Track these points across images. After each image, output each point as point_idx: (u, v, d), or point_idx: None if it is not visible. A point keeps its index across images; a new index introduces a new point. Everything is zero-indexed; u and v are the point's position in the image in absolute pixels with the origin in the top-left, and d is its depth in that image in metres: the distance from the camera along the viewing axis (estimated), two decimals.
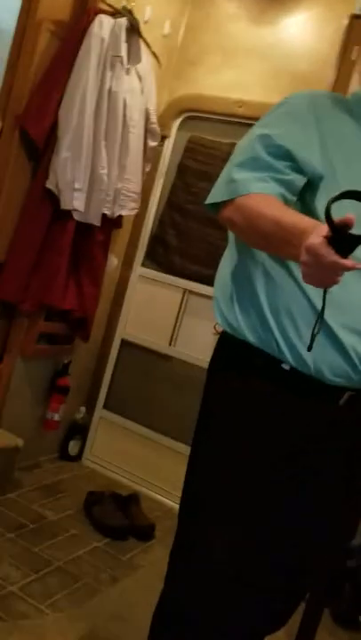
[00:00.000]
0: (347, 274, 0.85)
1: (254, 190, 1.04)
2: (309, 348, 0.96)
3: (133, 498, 2.43)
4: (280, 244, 0.96)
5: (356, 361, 1.06)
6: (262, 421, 1.10)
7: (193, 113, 2.72)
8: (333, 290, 0.97)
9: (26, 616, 1.67)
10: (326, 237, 0.81)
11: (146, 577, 2.02)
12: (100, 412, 2.86)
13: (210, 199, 1.12)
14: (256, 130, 1.12)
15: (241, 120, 2.53)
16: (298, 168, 1.06)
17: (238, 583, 1.12)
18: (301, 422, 1.09)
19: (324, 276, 0.85)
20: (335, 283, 0.86)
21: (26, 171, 2.22)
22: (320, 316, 0.95)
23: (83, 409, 2.83)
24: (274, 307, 1.08)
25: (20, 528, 2.11)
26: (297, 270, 1.06)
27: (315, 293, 1.04)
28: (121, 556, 2.14)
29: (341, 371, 1.06)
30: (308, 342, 1.02)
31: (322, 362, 1.05)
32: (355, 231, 0.80)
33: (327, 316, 1.03)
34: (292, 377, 1.08)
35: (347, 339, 1.05)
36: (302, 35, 2.53)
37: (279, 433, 1.10)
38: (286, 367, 1.08)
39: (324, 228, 0.81)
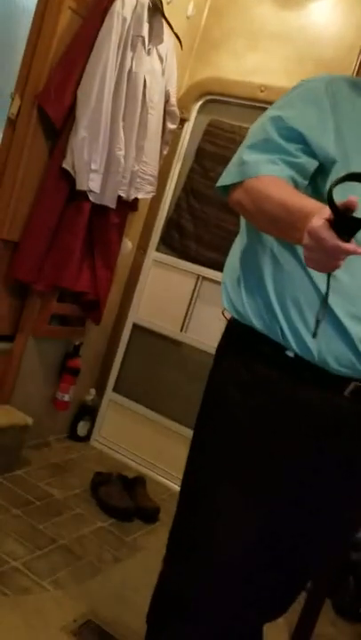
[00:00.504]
0: (355, 261, 0.84)
1: (264, 172, 1.02)
2: (314, 335, 0.95)
3: (139, 480, 2.45)
4: (286, 227, 0.95)
5: None
6: (266, 409, 1.09)
7: (214, 96, 2.69)
8: (341, 278, 0.95)
9: (28, 591, 1.70)
10: (328, 220, 0.79)
11: (148, 559, 2.03)
12: (109, 394, 2.87)
13: (221, 181, 1.10)
14: (269, 112, 1.10)
15: (262, 105, 2.47)
16: (310, 151, 1.05)
17: (236, 571, 1.12)
18: (306, 411, 1.08)
19: (326, 261, 0.83)
20: (337, 267, 0.85)
21: (43, 150, 2.21)
22: (324, 301, 0.93)
23: (93, 391, 2.85)
24: (280, 293, 1.07)
25: (26, 505, 2.13)
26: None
27: (322, 281, 1.02)
28: (125, 536, 2.16)
29: (346, 360, 1.04)
30: (313, 329, 1.01)
31: (327, 350, 1.04)
32: (358, 214, 0.78)
33: (334, 304, 1.01)
34: (296, 365, 1.07)
35: (353, 328, 1.03)
36: (329, 20, 2.48)
37: (283, 421, 1.09)
38: (291, 354, 1.07)
39: (326, 211, 0.80)
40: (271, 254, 1.09)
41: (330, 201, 0.78)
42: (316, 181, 1.07)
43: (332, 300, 1.01)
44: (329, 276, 0.91)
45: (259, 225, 1.07)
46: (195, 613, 1.14)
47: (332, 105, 1.06)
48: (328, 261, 0.83)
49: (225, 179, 1.10)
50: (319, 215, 0.81)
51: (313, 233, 0.81)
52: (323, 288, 1.02)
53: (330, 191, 0.78)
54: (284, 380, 1.08)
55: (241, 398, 1.11)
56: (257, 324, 1.10)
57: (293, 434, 1.09)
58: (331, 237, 0.79)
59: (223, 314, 1.20)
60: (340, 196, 0.78)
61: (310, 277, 1.04)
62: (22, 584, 1.72)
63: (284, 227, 0.96)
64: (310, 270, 1.03)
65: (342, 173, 0.83)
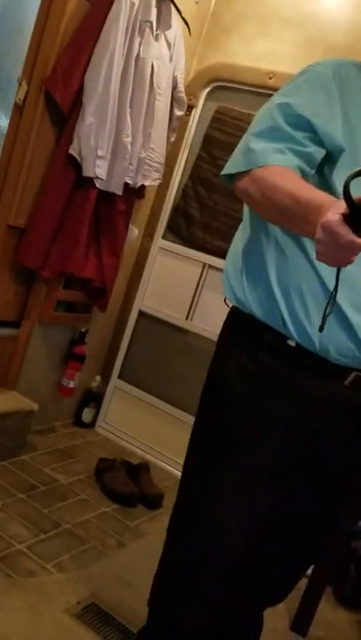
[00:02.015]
0: None
1: (272, 162, 1.00)
2: (321, 329, 0.94)
3: (143, 466, 2.47)
4: (295, 219, 0.94)
5: None
6: (267, 396, 1.10)
7: (222, 83, 2.67)
8: (346, 267, 0.94)
9: (32, 574, 1.72)
10: (343, 215, 0.78)
11: (152, 544, 2.05)
12: (114, 381, 2.89)
13: (226, 169, 1.09)
14: (276, 98, 1.08)
15: (271, 92, 2.43)
16: (318, 140, 1.03)
17: (234, 555, 1.13)
18: (306, 399, 1.08)
19: (339, 256, 0.82)
20: (350, 262, 0.83)
21: (50, 136, 2.20)
22: (333, 296, 0.92)
23: (98, 378, 2.86)
24: (283, 282, 1.06)
25: (31, 489, 2.16)
26: (310, 248, 1.03)
27: (326, 272, 1.02)
28: (129, 522, 2.18)
29: (347, 350, 1.04)
30: (315, 320, 1.01)
31: (328, 340, 1.04)
32: None
33: (338, 294, 1.01)
34: (297, 354, 1.07)
35: (356, 318, 1.03)
36: (340, 5, 2.45)
37: (283, 409, 1.09)
38: (292, 343, 1.07)
39: (341, 205, 0.79)
40: (275, 243, 1.08)
41: (346, 195, 0.77)
42: (322, 170, 1.05)
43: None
44: (339, 270, 0.90)
45: (265, 215, 1.06)
46: (193, 595, 1.16)
47: (339, 91, 1.04)
48: (341, 256, 0.82)
49: (231, 167, 1.08)
50: (334, 209, 0.80)
51: (327, 227, 0.80)
52: (327, 279, 1.02)
53: (346, 185, 0.76)
54: (285, 369, 1.08)
55: (242, 385, 1.11)
56: (258, 312, 1.10)
57: (293, 421, 1.10)
58: (346, 233, 0.77)
59: (226, 302, 1.20)
60: (355, 190, 0.77)
61: (314, 267, 1.03)
62: (27, 567, 1.74)
63: (293, 218, 0.95)
64: (314, 260, 1.03)
65: (351, 163, 0.82)
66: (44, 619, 1.56)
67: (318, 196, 0.92)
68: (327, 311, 0.94)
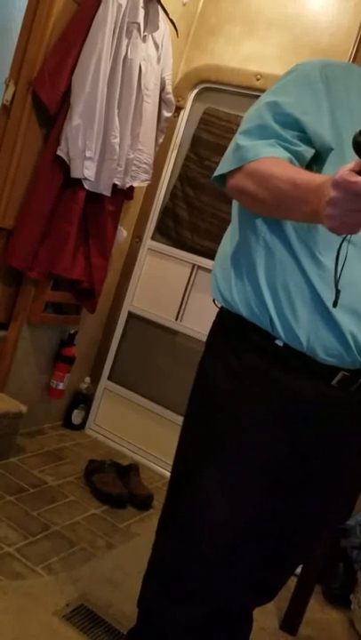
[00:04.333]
0: (348, 252, 0.83)
1: (263, 155, 1.00)
2: (335, 304, 0.94)
3: (133, 468, 2.47)
4: (294, 203, 0.93)
5: (351, 342, 1.04)
6: (254, 397, 1.10)
7: (210, 84, 2.67)
8: (331, 268, 0.95)
9: (21, 577, 1.71)
10: (353, 171, 0.78)
11: (141, 545, 2.05)
12: (104, 382, 2.88)
13: (218, 171, 1.08)
14: (265, 97, 1.08)
15: (258, 93, 2.46)
16: (306, 139, 1.03)
17: (224, 554, 1.13)
18: (294, 399, 1.08)
19: (353, 214, 0.80)
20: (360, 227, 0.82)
21: (38, 137, 2.20)
22: (341, 265, 0.92)
23: (88, 379, 2.86)
24: (271, 283, 1.06)
25: (20, 492, 2.15)
26: (298, 247, 1.04)
27: (313, 272, 1.02)
28: (118, 523, 2.18)
29: (335, 351, 1.04)
30: (302, 320, 1.01)
31: (315, 340, 1.04)
32: None
33: (323, 294, 1.01)
34: (285, 353, 1.07)
35: (343, 319, 1.03)
36: (325, 7, 2.46)
37: (270, 408, 1.09)
38: (280, 343, 1.07)
39: (350, 164, 0.79)
40: (263, 244, 1.08)
41: (356, 147, 0.77)
42: (311, 169, 1.05)
43: (321, 291, 1.01)
44: (344, 239, 0.89)
45: (262, 207, 1.04)
46: (182, 595, 1.16)
47: (326, 90, 1.04)
48: (354, 215, 0.80)
49: (222, 167, 1.07)
50: (343, 168, 0.80)
51: (341, 180, 0.79)
52: (313, 277, 1.02)
53: (356, 138, 0.77)
54: (272, 369, 1.08)
55: (229, 385, 1.11)
56: (246, 313, 1.10)
57: (281, 421, 1.10)
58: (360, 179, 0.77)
59: (215, 302, 1.21)
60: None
61: (301, 267, 1.03)
62: (15, 569, 1.73)
63: (293, 203, 0.94)
64: (301, 259, 1.03)
65: (338, 161, 0.82)
66: (33, 621, 1.56)
67: (317, 176, 0.93)
68: (338, 286, 0.95)
